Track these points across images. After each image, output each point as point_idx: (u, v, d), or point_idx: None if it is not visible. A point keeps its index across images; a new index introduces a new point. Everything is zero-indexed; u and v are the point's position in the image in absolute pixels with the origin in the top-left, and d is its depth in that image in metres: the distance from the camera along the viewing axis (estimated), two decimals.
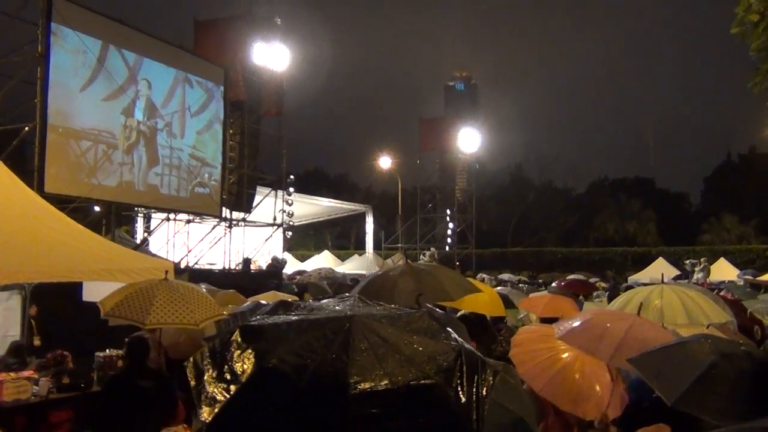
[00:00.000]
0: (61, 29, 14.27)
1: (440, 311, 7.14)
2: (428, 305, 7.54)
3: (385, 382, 1.90)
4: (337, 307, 2.26)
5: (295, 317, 2.13)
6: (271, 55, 20.63)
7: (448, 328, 2.26)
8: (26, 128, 13.34)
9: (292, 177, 23.38)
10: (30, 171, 12.99)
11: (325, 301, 2.43)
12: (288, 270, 24.16)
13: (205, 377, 2.00)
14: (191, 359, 2.08)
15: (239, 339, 2.02)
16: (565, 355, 4.16)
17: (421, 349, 2.03)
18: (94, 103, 15.87)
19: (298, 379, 1.90)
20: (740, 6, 7.60)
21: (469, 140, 36.31)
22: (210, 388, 1.94)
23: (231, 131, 19.85)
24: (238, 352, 1.99)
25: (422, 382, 1.94)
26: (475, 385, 2.03)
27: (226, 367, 1.98)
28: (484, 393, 2.05)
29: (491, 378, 2.10)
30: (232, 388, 1.92)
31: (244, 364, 1.96)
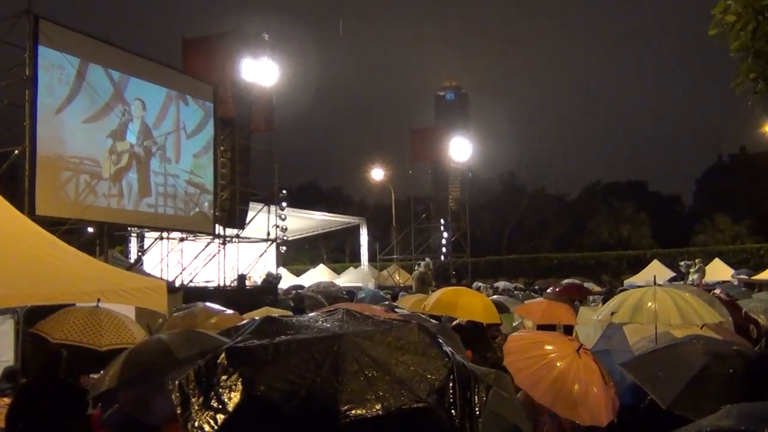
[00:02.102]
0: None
1: (435, 321, 7.13)
2: (422, 314, 7.55)
3: (377, 407, 1.84)
4: (325, 324, 2.19)
5: (283, 337, 2.07)
6: (260, 71, 20.66)
7: (439, 339, 2.21)
8: (16, 151, 13.26)
9: (284, 192, 23.34)
10: (20, 194, 12.91)
11: (312, 314, 2.38)
12: (284, 285, 24.09)
13: (192, 403, 1.93)
14: (176, 383, 2.00)
15: (225, 362, 1.96)
16: (560, 362, 4.16)
17: (412, 368, 1.98)
18: (74, 127, 14.19)
19: (287, 407, 1.84)
20: (717, 8, 7.65)
21: (460, 149, 36.41)
22: (197, 417, 1.87)
23: (222, 148, 19.83)
24: (224, 376, 1.92)
25: (414, 405, 1.89)
26: (468, 403, 1.99)
27: (212, 393, 1.91)
28: (478, 412, 2.01)
29: (484, 394, 2.06)
30: (219, 417, 1.85)
31: (231, 391, 1.89)
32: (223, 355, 1.98)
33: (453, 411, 1.95)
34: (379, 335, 2.09)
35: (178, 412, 1.96)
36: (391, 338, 2.08)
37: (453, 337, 5.28)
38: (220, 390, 1.91)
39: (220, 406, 1.89)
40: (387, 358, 1.99)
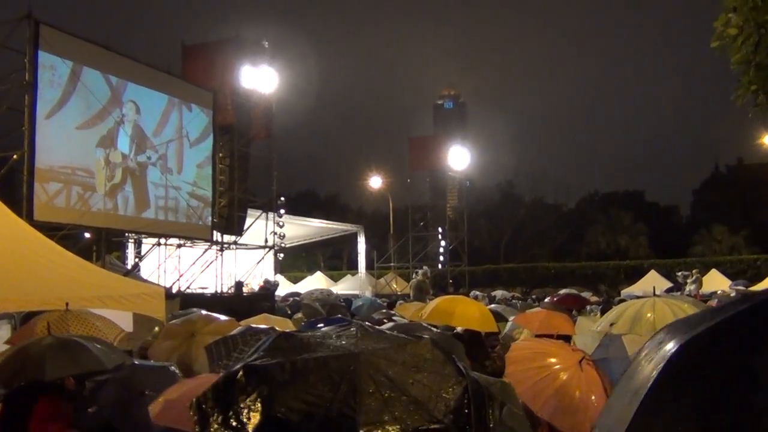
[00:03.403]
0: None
1: (436, 329, 7.10)
2: (424, 324, 7.52)
3: (395, 428, 1.88)
4: (341, 342, 2.21)
5: (299, 355, 2.10)
6: (260, 78, 20.69)
7: (453, 356, 2.24)
8: (14, 156, 13.21)
9: (282, 199, 23.34)
10: (18, 199, 12.87)
11: (325, 329, 2.39)
12: (281, 292, 24.06)
13: (211, 421, 1.96)
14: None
15: (243, 381, 1.99)
16: (562, 374, 4.15)
17: (427, 387, 2.01)
18: (65, 134, 13.18)
19: (305, 428, 1.88)
20: (719, 20, 7.72)
21: (458, 158, 36.43)
22: None
23: (221, 154, 19.83)
24: (243, 395, 1.95)
25: (431, 427, 1.92)
26: (483, 422, 2.02)
27: (231, 412, 1.94)
28: (492, 429, 2.05)
29: (498, 412, 2.09)
30: None
31: (251, 411, 1.92)
32: (240, 373, 2.00)
33: (468, 430, 1.98)
34: (394, 353, 2.11)
35: (197, 430, 1.99)
36: (406, 357, 2.11)
37: (458, 345, 5.28)
38: (239, 409, 1.94)
39: (240, 426, 1.92)
40: (402, 377, 2.02)
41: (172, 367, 5.90)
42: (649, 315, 6.15)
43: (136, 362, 5.85)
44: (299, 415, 1.88)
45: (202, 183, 17.53)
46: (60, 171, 13.05)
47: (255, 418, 1.89)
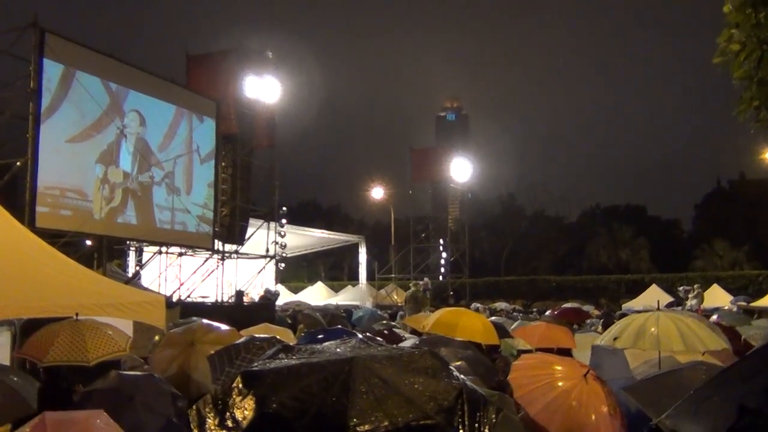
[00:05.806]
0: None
1: (459, 340, 7.10)
2: (437, 334, 7.53)
3: (385, 423, 1.91)
4: (338, 350, 2.26)
5: (296, 361, 2.14)
6: (263, 88, 20.74)
7: (451, 366, 2.26)
8: (18, 163, 13.18)
9: (284, 209, 23.36)
10: (21, 206, 12.85)
11: (327, 343, 2.44)
12: (281, 302, 24.02)
13: (207, 424, 1.99)
14: (194, 407, 2.08)
15: (240, 385, 2.03)
16: (563, 383, 4.15)
17: (421, 389, 2.05)
18: (54, 147, 11.43)
19: (298, 423, 1.90)
20: (721, 36, 7.76)
21: (460, 170, 36.46)
22: None
23: (223, 164, 19.84)
24: (240, 398, 2.00)
25: (422, 422, 1.94)
26: (477, 423, 2.03)
27: (227, 414, 1.99)
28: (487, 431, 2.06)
29: (494, 416, 2.10)
30: None
31: (245, 410, 1.97)
32: (238, 378, 2.05)
33: (461, 429, 2.00)
34: (390, 360, 2.15)
35: (195, 431, 2.02)
36: (401, 362, 2.14)
37: (471, 348, 5.35)
38: (235, 410, 1.99)
39: (234, 425, 1.96)
40: (397, 379, 2.05)
41: (157, 374, 5.93)
42: (653, 329, 6.11)
43: (121, 372, 5.89)
44: (292, 412, 1.92)
45: (212, 204, 15.80)
46: (46, 193, 11.16)
47: (249, 416, 1.94)
